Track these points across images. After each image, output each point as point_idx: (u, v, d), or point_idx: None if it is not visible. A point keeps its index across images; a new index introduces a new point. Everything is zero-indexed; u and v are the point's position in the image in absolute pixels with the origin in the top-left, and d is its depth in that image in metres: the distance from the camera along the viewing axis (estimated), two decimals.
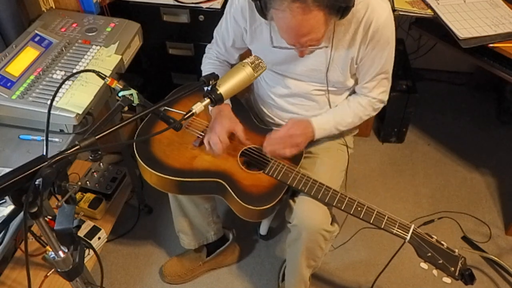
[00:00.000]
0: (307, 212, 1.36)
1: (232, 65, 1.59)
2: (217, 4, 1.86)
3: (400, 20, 2.27)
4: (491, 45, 1.70)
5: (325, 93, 1.44)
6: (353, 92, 1.50)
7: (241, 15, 1.36)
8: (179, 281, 1.86)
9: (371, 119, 2.14)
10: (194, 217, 1.68)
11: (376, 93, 1.44)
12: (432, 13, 1.83)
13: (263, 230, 1.99)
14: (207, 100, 1.01)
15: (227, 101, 1.47)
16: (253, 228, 2.03)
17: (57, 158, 0.82)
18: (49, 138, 1.30)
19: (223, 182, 1.36)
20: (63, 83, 1.10)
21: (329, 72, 1.36)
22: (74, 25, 1.63)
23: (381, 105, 1.48)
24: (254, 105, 1.64)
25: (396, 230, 1.30)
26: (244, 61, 1.07)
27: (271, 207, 1.34)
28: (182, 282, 1.86)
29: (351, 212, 1.32)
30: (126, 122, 0.93)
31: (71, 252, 0.99)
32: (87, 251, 1.65)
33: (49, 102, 1.05)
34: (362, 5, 1.24)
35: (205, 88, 1.05)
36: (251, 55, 1.10)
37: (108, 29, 1.62)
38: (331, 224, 1.40)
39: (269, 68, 1.43)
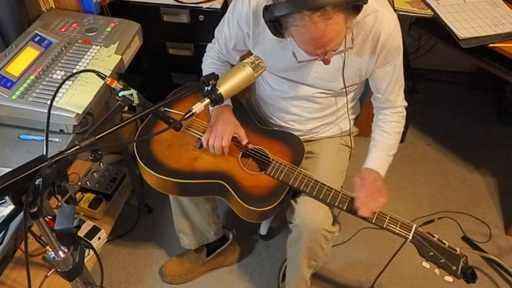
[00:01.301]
0: (308, 213, 1.36)
1: (233, 66, 1.58)
2: (217, 4, 1.86)
3: (400, 20, 2.25)
4: (491, 45, 1.70)
5: (328, 95, 1.44)
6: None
7: (244, 20, 1.35)
8: (179, 281, 1.86)
9: (370, 120, 2.14)
10: (195, 217, 1.68)
11: (399, 102, 1.45)
12: (432, 13, 1.83)
13: (263, 230, 1.99)
14: (207, 100, 1.01)
15: (229, 102, 1.47)
16: (253, 228, 2.02)
17: (57, 158, 0.82)
18: (49, 138, 1.30)
19: (225, 183, 1.36)
20: (63, 83, 1.09)
21: (345, 78, 1.37)
22: (74, 25, 1.63)
23: (405, 111, 1.48)
24: (255, 106, 1.64)
25: (398, 230, 1.30)
26: (244, 61, 1.06)
27: (272, 208, 1.34)
28: (182, 282, 1.86)
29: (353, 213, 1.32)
30: (126, 122, 0.92)
31: (71, 252, 0.99)
32: (87, 251, 1.64)
33: (49, 102, 1.05)
34: (370, 18, 1.25)
35: (205, 88, 1.05)
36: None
37: (108, 29, 1.62)
38: (333, 224, 1.40)
39: (275, 74, 1.43)
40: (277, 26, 1.15)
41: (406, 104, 1.47)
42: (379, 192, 1.33)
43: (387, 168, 1.43)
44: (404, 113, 1.48)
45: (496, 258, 1.91)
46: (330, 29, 1.09)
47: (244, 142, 1.43)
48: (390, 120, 1.45)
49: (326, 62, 1.21)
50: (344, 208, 1.33)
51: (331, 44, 1.13)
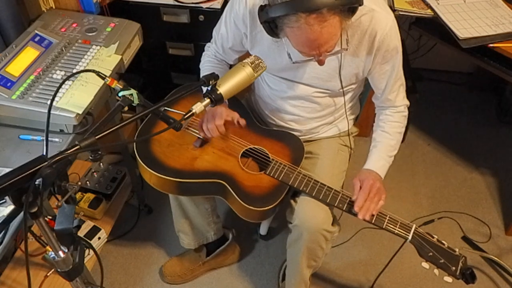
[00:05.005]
0: (308, 213, 1.36)
1: (230, 65, 1.59)
2: (217, 4, 1.86)
3: (400, 20, 2.25)
4: (491, 45, 1.70)
5: (326, 95, 1.44)
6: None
7: (241, 21, 1.35)
8: (179, 281, 1.86)
9: (371, 120, 2.14)
10: (194, 217, 1.68)
11: (400, 101, 1.44)
12: (432, 13, 1.83)
13: (263, 230, 1.99)
14: (207, 100, 1.01)
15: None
16: (253, 228, 2.02)
17: (57, 158, 0.82)
18: (49, 138, 1.30)
19: (224, 183, 1.36)
20: (63, 83, 1.10)
21: (342, 78, 1.36)
22: (74, 25, 1.63)
23: (407, 110, 1.48)
24: (255, 106, 1.64)
25: (398, 230, 1.30)
26: (244, 61, 1.06)
27: (272, 207, 1.34)
28: (182, 282, 1.86)
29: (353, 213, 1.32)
30: (126, 122, 0.92)
31: (71, 252, 0.99)
32: (87, 251, 1.64)
33: (49, 102, 1.05)
34: (366, 18, 1.24)
35: (205, 88, 1.05)
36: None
37: (108, 29, 1.62)
38: (332, 224, 1.40)
39: (272, 74, 1.43)
40: (272, 27, 1.15)
41: (407, 103, 1.47)
42: (378, 194, 1.33)
43: (387, 169, 1.43)
44: (406, 113, 1.47)
45: (496, 258, 1.91)
46: (325, 31, 1.09)
47: (235, 120, 1.40)
48: (391, 120, 1.45)
49: (321, 63, 1.21)
50: (344, 208, 1.33)
51: (325, 46, 1.13)
